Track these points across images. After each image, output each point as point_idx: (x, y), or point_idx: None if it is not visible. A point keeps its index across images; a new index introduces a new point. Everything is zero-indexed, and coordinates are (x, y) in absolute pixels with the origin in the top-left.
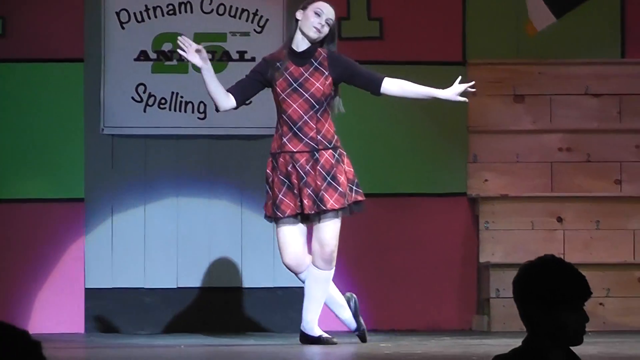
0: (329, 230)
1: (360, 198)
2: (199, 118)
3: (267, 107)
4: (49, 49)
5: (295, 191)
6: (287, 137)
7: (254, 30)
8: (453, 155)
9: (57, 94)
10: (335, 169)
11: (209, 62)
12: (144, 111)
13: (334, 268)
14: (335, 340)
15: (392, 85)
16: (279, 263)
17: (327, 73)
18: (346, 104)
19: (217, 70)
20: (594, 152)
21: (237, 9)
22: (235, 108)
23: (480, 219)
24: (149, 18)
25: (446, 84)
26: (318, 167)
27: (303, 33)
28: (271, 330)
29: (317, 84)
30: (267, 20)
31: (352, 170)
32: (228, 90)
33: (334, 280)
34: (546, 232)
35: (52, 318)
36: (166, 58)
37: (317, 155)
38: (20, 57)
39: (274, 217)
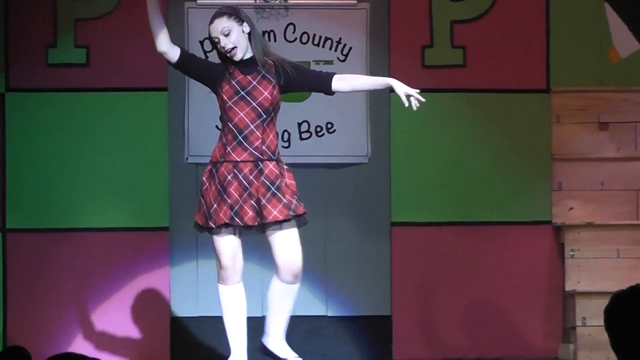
0: (292, 242)
1: (304, 211)
2: (283, 146)
3: (351, 136)
4: (132, 78)
5: (230, 201)
6: (231, 145)
7: (337, 58)
8: (537, 183)
9: (141, 123)
10: (279, 179)
11: None
12: None
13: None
14: None
15: (342, 83)
16: (364, 291)
17: (274, 82)
18: (430, 132)
19: (300, 99)
20: None
21: (320, 37)
22: (171, 64)
23: (566, 247)
24: None
25: (530, 112)
26: (262, 178)
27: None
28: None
29: (265, 93)
30: (350, 48)
31: (294, 183)
32: (181, 50)
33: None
34: (632, 260)
35: (138, 347)
36: None
37: (261, 165)
38: (104, 86)
39: (207, 227)
